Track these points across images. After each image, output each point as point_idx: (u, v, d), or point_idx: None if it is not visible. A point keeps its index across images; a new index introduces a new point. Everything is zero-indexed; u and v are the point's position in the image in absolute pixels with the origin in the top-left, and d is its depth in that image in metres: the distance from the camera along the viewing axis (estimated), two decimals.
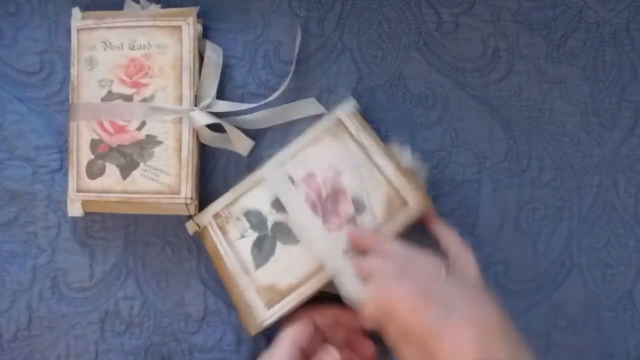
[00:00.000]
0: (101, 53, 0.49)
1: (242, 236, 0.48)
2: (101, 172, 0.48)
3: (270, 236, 0.48)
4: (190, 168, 0.48)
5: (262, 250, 0.48)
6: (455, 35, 0.52)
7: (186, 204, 0.48)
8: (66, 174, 0.51)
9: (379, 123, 0.51)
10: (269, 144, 0.51)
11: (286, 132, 0.51)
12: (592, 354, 0.50)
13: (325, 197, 0.47)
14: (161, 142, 0.48)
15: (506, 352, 0.38)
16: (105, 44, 0.49)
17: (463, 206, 0.51)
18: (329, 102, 0.52)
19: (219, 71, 0.50)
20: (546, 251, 0.51)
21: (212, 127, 0.49)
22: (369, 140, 0.48)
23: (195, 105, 0.49)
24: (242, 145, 0.50)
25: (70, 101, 0.50)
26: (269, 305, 0.46)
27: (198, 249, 0.51)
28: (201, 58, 0.50)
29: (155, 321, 0.50)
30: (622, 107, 0.52)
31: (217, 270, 0.49)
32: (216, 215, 0.49)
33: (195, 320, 0.50)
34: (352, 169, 0.47)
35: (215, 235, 0.49)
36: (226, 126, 0.49)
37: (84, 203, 0.49)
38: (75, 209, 0.49)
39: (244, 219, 0.48)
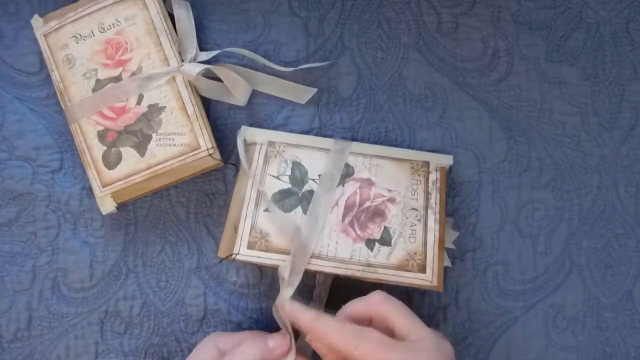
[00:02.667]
0: (75, 48, 0.49)
1: (277, 177, 0.48)
2: (118, 158, 0.49)
3: (298, 197, 0.48)
4: (201, 120, 0.49)
5: (283, 202, 0.48)
6: (455, 35, 0.52)
7: (210, 155, 0.48)
8: (66, 174, 0.51)
9: (379, 123, 0.51)
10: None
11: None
12: (592, 354, 0.50)
13: (364, 208, 0.47)
14: (164, 107, 0.49)
15: None
16: (76, 37, 0.49)
17: (463, 206, 0.51)
18: (329, 102, 0.52)
19: (193, 23, 0.51)
20: (546, 251, 0.51)
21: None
22: (436, 200, 0.48)
23: (182, 61, 0.49)
24: (239, 90, 0.50)
25: (62, 106, 0.50)
26: (251, 246, 0.46)
27: (198, 248, 0.51)
28: (171, 16, 0.50)
29: (155, 321, 0.50)
30: (622, 107, 0.52)
31: (235, 183, 0.49)
32: (271, 143, 0.49)
33: (195, 320, 0.51)
34: (405, 207, 0.47)
35: (257, 156, 0.49)
36: (219, 70, 0.49)
37: (114, 195, 0.49)
38: (107, 205, 0.49)
39: (289, 166, 0.48)
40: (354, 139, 0.51)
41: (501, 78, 0.52)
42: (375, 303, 0.42)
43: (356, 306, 0.43)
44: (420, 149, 0.51)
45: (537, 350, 0.51)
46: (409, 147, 0.51)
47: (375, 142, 0.51)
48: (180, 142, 0.48)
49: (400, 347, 0.39)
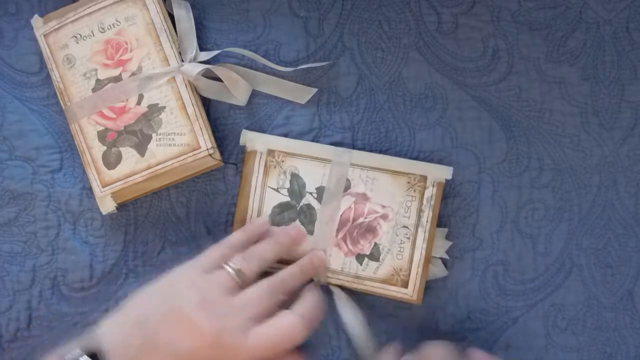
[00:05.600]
0: (75, 48, 0.49)
1: (277, 190, 0.49)
2: (118, 158, 0.49)
3: (296, 210, 0.49)
4: (201, 120, 0.49)
5: (282, 215, 0.49)
6: (455, 35, 0.52)
7: (210, 155, 0.48)
8: (66, 174, 0.51)
9: (379, 123, 0.51)
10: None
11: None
12: (592, 354, 0.50)
13: (358, 224, 0.48)
14: (164, 107, 0.49)
15: None
16: (76, 37, 0.49)
17: (463, 206, 0.51)
18: (329, 102, 0.52)
19: (193, 23, 0.51)
20: (546, 251, 0.51)
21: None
22: (428, 217, 0.48)
23: (182, 61, 0.49)
24: (239, 90, 0.50)
25: (62, 106, 0.50)
26: None
27: (198, 248, 0.51)
28: (171, 16, 0.50)
29: None
30: (622, 107, 0.52)
31: (237, 194, 0.50)
32: (271, 152, 0.49)
33: None
34: (396, 224, 0.48)
35: (257, 167, 0.49)
36: (219, 70, 0.49)
37: (114, 195, 0.49)
38: (107, 205, 0.49)
39: (287, 178, 0.49)
40: (354, 139, 0.51)
41: (501, 78, 0.52)
42: None
43: None
44: (420, 149, 0.51)
45: (537, 350, 0.51)
46: (409, 147, 0.51)
47: (376, 142, 0.51)
48: (180, 142, 0.48)
49: None
